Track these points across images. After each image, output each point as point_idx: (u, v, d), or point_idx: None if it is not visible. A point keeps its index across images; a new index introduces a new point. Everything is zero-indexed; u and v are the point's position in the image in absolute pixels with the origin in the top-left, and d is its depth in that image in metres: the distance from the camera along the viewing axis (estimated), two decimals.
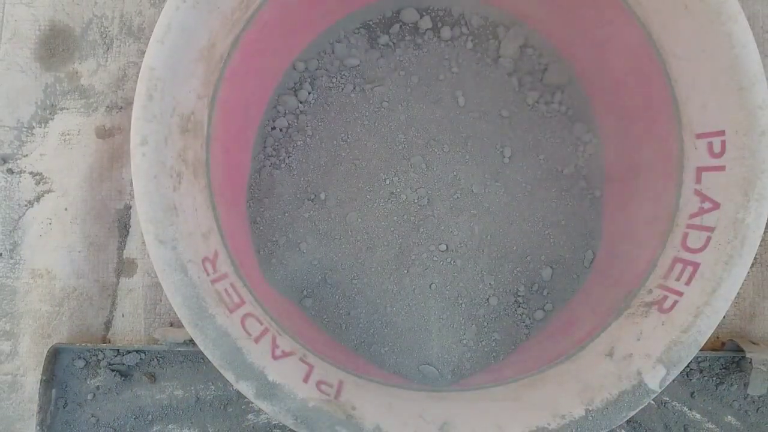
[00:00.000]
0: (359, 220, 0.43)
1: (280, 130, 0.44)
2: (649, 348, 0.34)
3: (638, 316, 0.36)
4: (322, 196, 0.43)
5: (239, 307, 0.36)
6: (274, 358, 0.35)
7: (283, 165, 0.43)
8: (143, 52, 0.46)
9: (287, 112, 0.43)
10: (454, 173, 0.43)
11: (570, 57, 0.44)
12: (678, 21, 0.36)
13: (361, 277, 0.42)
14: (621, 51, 0.39)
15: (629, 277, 0.38)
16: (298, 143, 0.43)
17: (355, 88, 0.44)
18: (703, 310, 0.34)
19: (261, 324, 0.36)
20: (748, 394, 0.43)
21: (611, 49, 0.40)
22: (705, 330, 0.33)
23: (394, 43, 0.44)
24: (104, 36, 0.47)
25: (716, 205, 0.35)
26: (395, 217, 0.43)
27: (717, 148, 0.35)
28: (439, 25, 0.45)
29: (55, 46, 0.47)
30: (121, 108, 0.46)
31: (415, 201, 0.43)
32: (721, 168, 0.35)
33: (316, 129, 0.44)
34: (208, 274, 0.35)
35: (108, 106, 0.46)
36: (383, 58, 0.44)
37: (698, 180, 0.36)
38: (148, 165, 0.34)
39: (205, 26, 0.36)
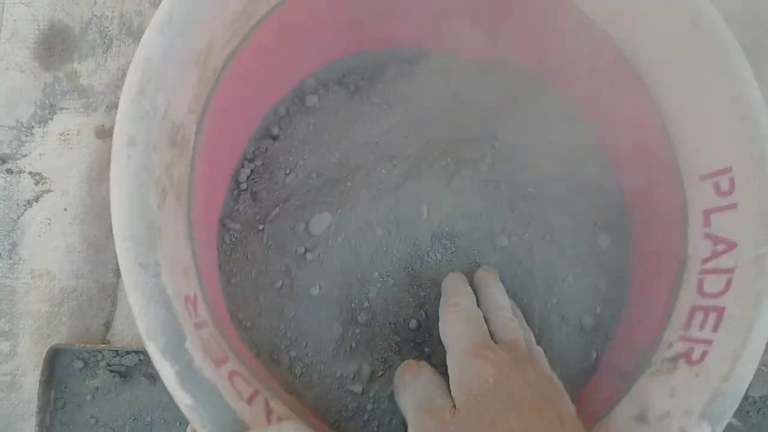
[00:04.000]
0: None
1: (250, 175, 0.40)
2: (688, 403, 0.31)
3: (664, 373, 0.33)
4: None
5: (224, 363, 0.29)
6: (270, 423, 0.29)
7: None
8: None
9: (266, 149, 0.40)
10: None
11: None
12: (674, 57, 0.35)
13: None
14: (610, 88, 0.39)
15: (643, 335, 0.36)
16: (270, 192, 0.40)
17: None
18: (740, 355, 0.31)
19: (249, 385, 0.30)
20: (749, 395, 0.43)
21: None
22: (746, 375, 0.30)
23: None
24: (104, 36, 0.46)
25: (732, 245, 0.33)
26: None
27: (725, 186, 0.33)
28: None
29: (55, 45, 0.47)
30: None
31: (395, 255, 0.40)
32: (733, 206, 0.33)
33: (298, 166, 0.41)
34: (190, 316, 0.28)
35: (107, 106, 0.46)
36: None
37: (707, 223, 0.34)
38: (134, 170, 0.28)
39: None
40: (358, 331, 0.38)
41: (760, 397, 0.43)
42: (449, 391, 0.30)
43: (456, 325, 0.32)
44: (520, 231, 0.40)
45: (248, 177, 0.40)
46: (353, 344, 0.38)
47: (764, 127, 0.32)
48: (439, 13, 0.41)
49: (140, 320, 0.26)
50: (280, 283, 0.38)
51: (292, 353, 0.37)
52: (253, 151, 0.41)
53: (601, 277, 0.40)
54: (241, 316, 0.37)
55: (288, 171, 0.41)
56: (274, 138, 0.42)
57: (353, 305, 0.38)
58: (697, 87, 0.34)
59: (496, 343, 0.31)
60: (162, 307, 0.27)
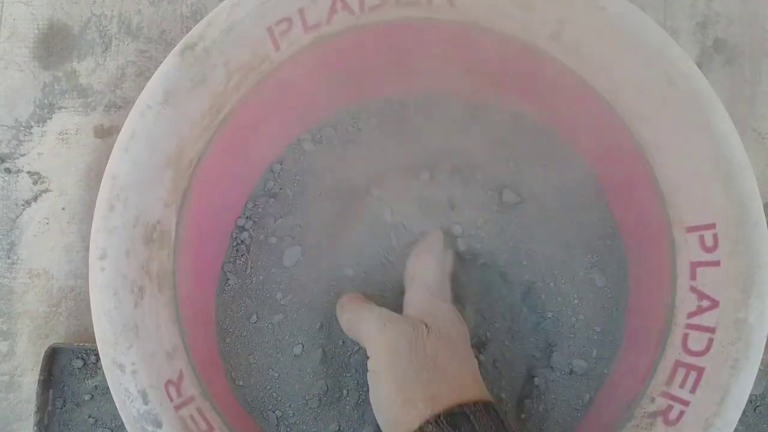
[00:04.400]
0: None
1: (245, 241, 0.42)
2: None
3: (643, 429, 0.33)
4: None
5: None
6: None
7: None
8: (142, 52, 0.46)
9: (257, 219, 0.42)
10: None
11: None
12: (655, 112, 0.34)
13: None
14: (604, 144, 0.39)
15: (629, 384, 0.36)
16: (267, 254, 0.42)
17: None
18: (714, 422, 0.31)
19: None
20: None
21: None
22: None
23: None
24: (103, 35, 0.46)
25: (715, 303, 0.32)
26: None
27: (709, 242, 0.33)
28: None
29: (54, 44, 0.47)
30: (120, 107, 0.46)
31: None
32: (716, 263, 0.32)
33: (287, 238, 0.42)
34: (171, 400, 0.32)
35: (106, 106, 0.46)
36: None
37: (693, 276, 0.33)
38: (107, 280, 0.32)
39: (172, 132, 0.34)
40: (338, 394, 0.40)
41: (757, 396, 0.43)
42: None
43: (426, 267, 0.37)
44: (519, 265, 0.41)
45: (234, 259, 0.42)
46: (333, 403, 0.39)
47: (745, 185, 0.32)
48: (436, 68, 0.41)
49: (120, 412, 0.32)
50: (266, 340, 0.40)
51: (278, 412, 0.39)
52: (243, 225, 0.42)
53: (598, 317, 0.40)
54: (234, 375, 0.39)
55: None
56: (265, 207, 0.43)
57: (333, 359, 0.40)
58: (679, 143, 0.34)
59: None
60: (140, 401, 0.31)
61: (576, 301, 0.40)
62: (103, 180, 0.33)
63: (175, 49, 0.35)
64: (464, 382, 0.31)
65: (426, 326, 0.32)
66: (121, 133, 0.34)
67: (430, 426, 0.28)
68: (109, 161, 0.33)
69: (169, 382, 0.33)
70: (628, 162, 0.37)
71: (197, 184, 0.37)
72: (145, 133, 0.34)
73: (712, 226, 0.33)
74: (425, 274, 0.36)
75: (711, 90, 0.33)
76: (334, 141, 0.43)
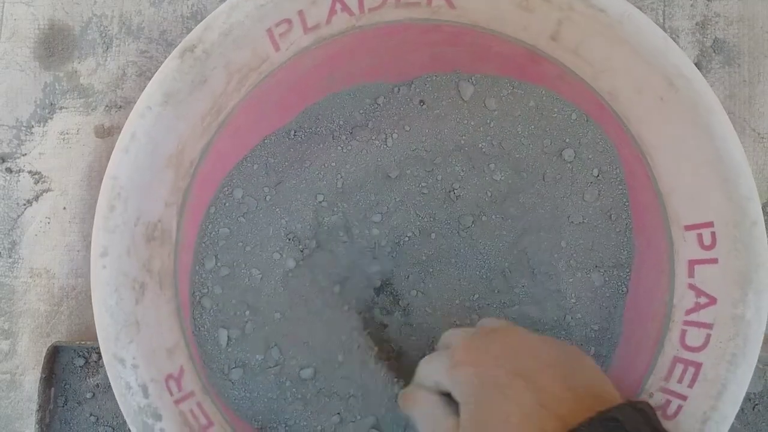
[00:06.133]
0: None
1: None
2: None
3: None
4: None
5: (208, 428, 0.34)
6: None
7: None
8: (143, 52, 0.46)
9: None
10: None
11: None
12: (654, 114, 0.35)
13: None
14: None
15: (628, 380, 0.36)
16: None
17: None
18: (711, 415, 0.31)
19: None
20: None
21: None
22: None
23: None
24: (103, 35, 0.47)
25: (713, 300, 0.33)
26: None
27: (707, 240, 0.33)
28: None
29: (55, 45, 0.47)
30: (121, 107, 0.46)
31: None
32: (714, 260, 0.33)
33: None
34: (171, 395, 0.33)
35: (107, 105, 0.46)
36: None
37: (691, 274, 0.34)
38: (108, 278, 0.32)
39: (173, 133, 0.35)
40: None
41: (756, 394, 0.44)
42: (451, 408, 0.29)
43: (430, 364, 0.32)
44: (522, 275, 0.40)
45: None
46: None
47: (743, 186, 0.32)
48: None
49: (121, 406, 0.32)
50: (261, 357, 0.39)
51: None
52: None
53: (595, 315, 0.39)
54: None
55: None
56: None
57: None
58: (678, 143, 0.34)
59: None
60: (140, 395, 0.32)
61: (573, 300, 0.40)
62: (103, 181, 0.33)
63: (174, 51, 0.35)
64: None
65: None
66: (121, 134, 0.34)
67: None
68: (109, 163, 0.34)
69: (169, 377, 0.33)
70: (627, 161, 0.38)
71: (199, 184, 0.37)
72: (145, 134, 0.34)
73: (710, 224, 0.33)
74: (433, 371, 0.32)
75: (711, 92, 0.33)
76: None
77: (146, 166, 0.34)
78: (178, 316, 0.35)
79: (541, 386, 0.26)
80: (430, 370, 0.31)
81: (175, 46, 0.35)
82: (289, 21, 0.36)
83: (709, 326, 0.32)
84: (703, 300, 0.33)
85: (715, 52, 0.45)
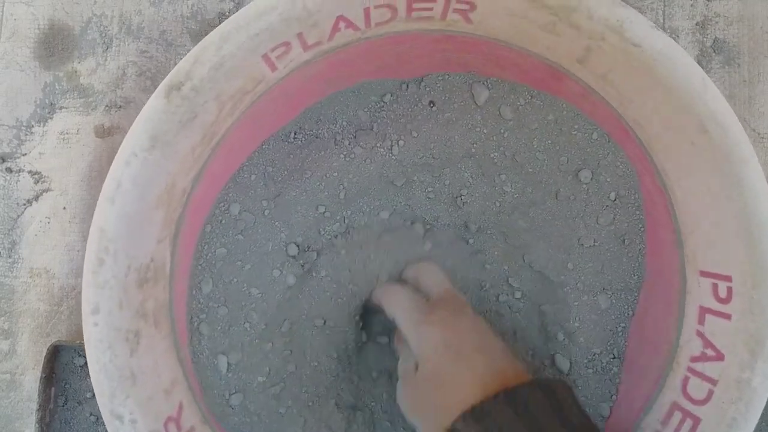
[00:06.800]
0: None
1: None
2: None
3: None
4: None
5: None
6: None
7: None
8: (143, 52, 0.46)
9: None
10: None
11: None
12: (683, 155, 0.32)
13: None
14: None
15: (626, 410, 0.35)
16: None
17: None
18: None
19: None
20: None
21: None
22: None
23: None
24: (103, 35, 0.47)
25: (720, 356, 0.31)
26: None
27: (723, 293, 0.32)
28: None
29: (55, 45, 0.47)
30: (121, 107, 0.46)
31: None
32: (727, 316, 0.31)
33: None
34: None
35: (107, 105, 0.46)
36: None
37: (701, 321, 0.32)
38: (101, 335, 0.31)
39: (162, 174, 0.32)
40: None
41: None
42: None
43: (400, 301, 0.36)
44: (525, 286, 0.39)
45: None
46: None
47: None
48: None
49: None
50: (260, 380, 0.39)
51: None
52: None
53: (598, 339, 0.38)
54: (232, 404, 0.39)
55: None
56: None
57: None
58: (705, 190, 0.32)
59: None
60: None
61: (577, 324, 0.39)
62: (90, 232, 0.32)
63: (158, 89, 0.32)
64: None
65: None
66: (105, 182, 0.32)
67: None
68: (95, 213, 0.32)
69: (168, 420, 0.33)
70: (647, 190, 0.36)
71: (192, 210, 0.35)
72: (131, 182, 0.32)
73: (728, 278, 0.31)
74: (403, 310, 0.37)
75: (746, 141, 0.31)
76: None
77: (134, 213, 0.32)
78: (175, 349, 0.34)
79: (496, 364, 0.31)
80: (398, 308, 0.36)
81: (175, 46, 0.35)
82: (287, 44, 0.33)
83: (713, 382, 0.31)
84: (710, 352, 0.32)
85: (715, 52, 0.45)
